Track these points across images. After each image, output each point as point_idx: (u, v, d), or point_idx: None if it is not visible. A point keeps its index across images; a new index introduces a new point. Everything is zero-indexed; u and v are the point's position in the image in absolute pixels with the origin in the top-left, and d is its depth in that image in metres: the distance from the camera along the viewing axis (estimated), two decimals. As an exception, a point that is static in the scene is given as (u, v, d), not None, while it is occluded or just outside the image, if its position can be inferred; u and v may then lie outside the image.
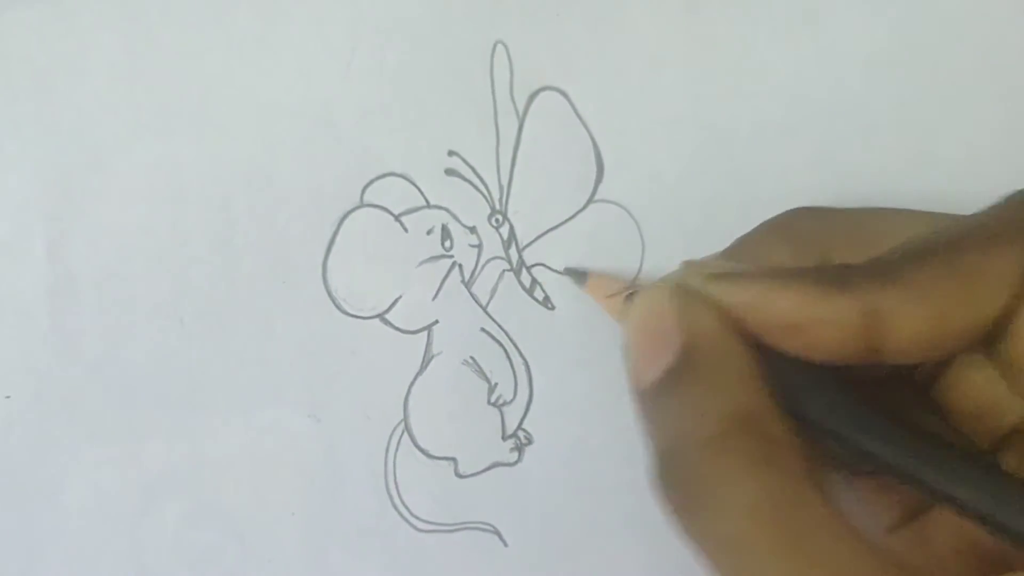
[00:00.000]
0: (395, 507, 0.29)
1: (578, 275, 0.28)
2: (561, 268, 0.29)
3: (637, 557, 0.29)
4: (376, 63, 0.29)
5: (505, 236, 0.29)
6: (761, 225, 0.25)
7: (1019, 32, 0.28)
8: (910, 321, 0.20)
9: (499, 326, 0.29)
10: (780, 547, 0.19)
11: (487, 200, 0.29)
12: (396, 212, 0.29)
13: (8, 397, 0.29)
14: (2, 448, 0.28)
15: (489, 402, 0.29)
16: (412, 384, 0.29)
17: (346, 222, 0.29)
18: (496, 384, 0.29)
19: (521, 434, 0.29)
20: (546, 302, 0.29)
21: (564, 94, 0.29)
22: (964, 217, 0.22)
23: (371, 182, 0.29)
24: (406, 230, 0.29)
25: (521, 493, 0.29)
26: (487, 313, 0.29)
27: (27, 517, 0.28)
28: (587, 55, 0.29)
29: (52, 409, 0.29)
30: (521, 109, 0.29)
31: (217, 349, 0.29)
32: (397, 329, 0.29)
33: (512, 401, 0.29)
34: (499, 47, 0.29)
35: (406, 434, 0.29)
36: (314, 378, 0.29)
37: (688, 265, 0.23)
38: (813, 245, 0.23)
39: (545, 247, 0.29)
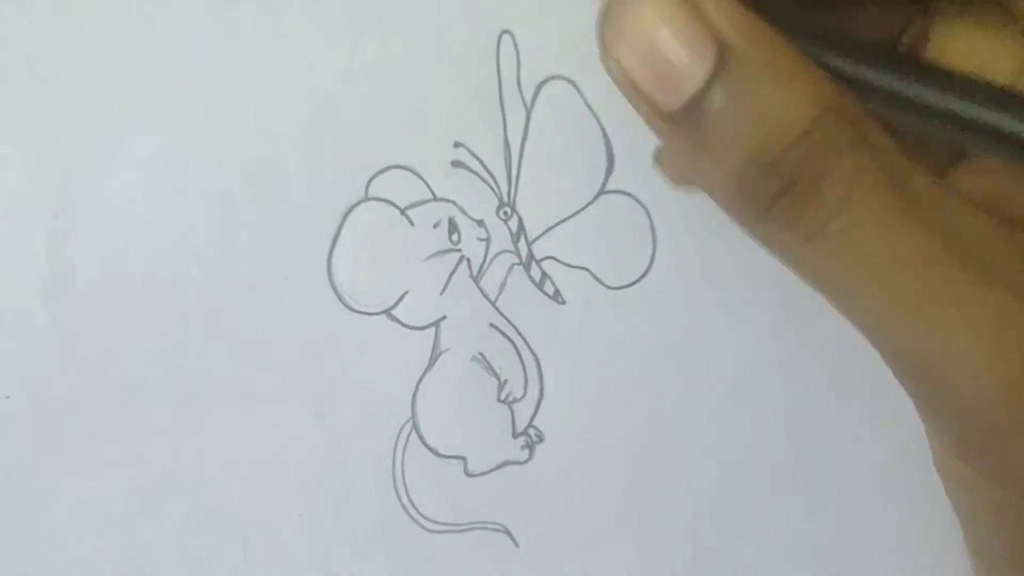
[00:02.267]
0: (403, 507, 0.29)
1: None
2: (571, 261, 0.29)
3: (649, 557, 0.29)
4: (380, 53, 0.29)
5: (514, 229, 0.29)
6: None
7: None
8: None
9: (508, 321, 0.29)
10: (901, 223, 0.18)
11: (495, 192, 0.29)
12: (402, 205, 0.29)
13: (7, 397, 0.28)
14: (1, 449, 0.28)
15: (499, 399, 0.29)
16: (420, 381, 0.29)
17: (351, 216, 0.29)
18: (506, 381, 0.29)
19: (532, 432, 0.29)
20: (556, 296, 0.29)
21: (573, 83, 0.29)
22: None
23: (376, 175, 0.29)
24: (412, 224, 0.29)
25: (532, 492, 0.29)
26: (496, 308, 0.29)
27: (26, 518, 0.28)
28: (596, 43, 0.29)
29: (51, 409, 0.28)
30: (529, 99, 0.29)
31: (219, 346, 0.29)
32: (404, 325, 0.29)
33: (522, 398, 0.29)
34: (505, 36, 0.29)
35: (414, 432, 0.29)
36: (319, 376, 0.29)
37: None
38: None
39: (555, 240, 0.29)
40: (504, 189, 0.29)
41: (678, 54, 0.19)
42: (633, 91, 0.20)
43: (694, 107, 0.19)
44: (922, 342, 0.18)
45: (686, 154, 0.20)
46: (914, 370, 0.19)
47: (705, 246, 0.29)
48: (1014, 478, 0.19)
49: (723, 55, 0.19)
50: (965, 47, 0.22)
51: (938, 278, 0.18)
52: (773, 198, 0.19)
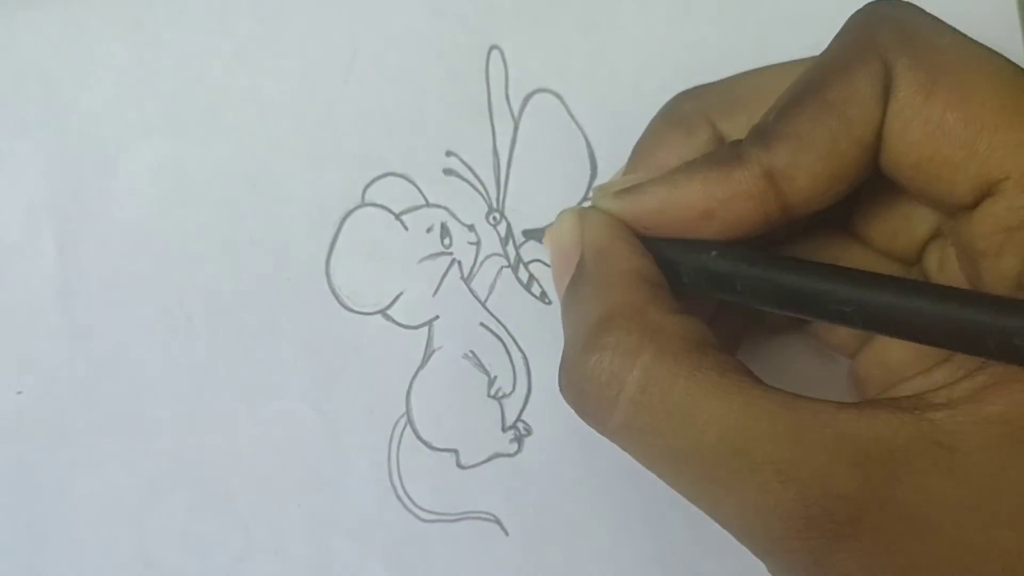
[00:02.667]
0: (398, 498, 0.29)
1: (535, 233, 0.29)
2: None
3: (635, 545, 0.29)
4: (376, 67, 0.29)
5: (502, 233, 0.29)
6: (650, 123, 0.26)
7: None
8: (805, 169, 0.21)
9: (498, 321, 0.29)
10: (670, 421, 0.20)
11: (484, 199, 0.29)
12: (396, 211, 0.29)
13: (20, 393, 0.29)
14: (14, 442, 0.29)
15: (489, 395, 0.29)
16: (414, 378, 0.29)
17: (348, 221, 0.29)
18: (495, 377, 0.29)
19: (520, 425, 0.29)
20: (543, 297, 0.29)
21: (558, 96, 0.30)
22: (817, 57, 0.22)
23: (372, 182, 0.29)
24: (406, 228, 0.29)
25: (521, 483, 0.29)
26: (486, 308, 0.29)
27: (38, 509, 0.29)
28: (580, 58, 0.29)
29: (62, 404, 0.29)
30: (516, 111, 0.29)
31: (223, 345, 0.29)
32: (399, 324, 0.29)
33: (511, 393, 0.29)
34: (494, 51, 0.29)
35: (408, 426, 0.29)
36: (318, 373, 0.29)
37: (596, 189, 0.24)
38: (700, 121, 0.24)
39: (541, 244, 0.29)
40: (493, 195, 0.29)
41: (557, 262, 0.24)
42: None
43: (561, 306, 0.23)
44: (711, 515, 0.21)
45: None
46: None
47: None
48: None
49: (578, 266, 0.23)
50: (886, 217, 0.25)
51: (709, 470, 0.20)
52: (566, 392, 0.22)
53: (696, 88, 0.25)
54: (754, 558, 0.29)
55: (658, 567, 0.29)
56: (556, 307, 0.29)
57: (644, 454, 0.21)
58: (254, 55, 0.29)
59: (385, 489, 0.29)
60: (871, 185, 0.23)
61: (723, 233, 0.22)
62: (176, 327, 0.29)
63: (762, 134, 0.21)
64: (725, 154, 0.22)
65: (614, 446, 0.28)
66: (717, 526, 0.29)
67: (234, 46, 0.29)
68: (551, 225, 0.25)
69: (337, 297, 0.29)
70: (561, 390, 0.22)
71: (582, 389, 0.21)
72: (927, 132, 0.20)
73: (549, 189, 0.29)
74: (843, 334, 0.26)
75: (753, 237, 0.22)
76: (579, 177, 0.29)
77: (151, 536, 0.29)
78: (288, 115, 0.29)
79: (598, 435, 0.28)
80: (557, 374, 0.22)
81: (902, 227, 0.24)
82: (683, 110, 0.25)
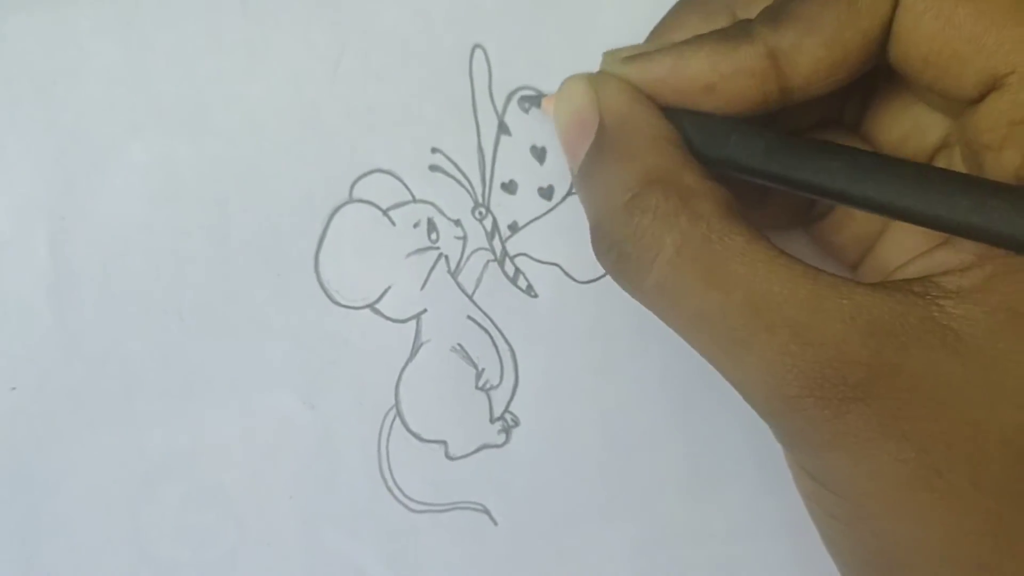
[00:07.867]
0: (388, 489, 0.29)
1: (533, 99, 0.29)
2: (543, 257, 0.30)
3: (620, 534, 0.30)
4: (362, 66, 0.30)
5: (488, 228, 0.30)
6: (671, 7, 0.26)
7: None
8: (808, 52, 0.22)
9: (485, 314, 0.30)
10: (700, 282, 0.21)
11: (470, 194, 0.30)
12: (384, 207, 0.30)
13: (13, 389, 0.29)
14: (8, 438, 0.29)
15: (477, 387, 0.30)
16: (403, 371, 0.29)
17: (336, 217, 0.29)
18: (483, 369, 0.30)
19: (508, 417, 0.30)
20: (529, 290, 0.30)
21: (540, 93, 0.30)
22: None
23: (359, 178, 0.30)
24: (394, 224, 0.30)
25: (509, 474, 0.29)
26: (473, 302, 0.30)
27: (33, 503, 0.29)
28: (561, 56, 0.30)
29: (56, 400, 0.29)
30: (500, 108, 0.30)
31: (214, 340, 0.29)
32: (387, 318, 0.30)
33: (499, 385, 0.30)
34: (478, 50, 0.30)
35: (398, 419, 0.29)
36: (308, 367, 0.29)
37: (606, 54, 0.24)
38: (720, 7, 0.24)
39: (527, 238, 0.30)
40: (479, 191, 0.30)
41: (572, 129, 0.24)
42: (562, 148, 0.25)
43: (581, 172, 0.23)
44: (730, 376, 0.21)
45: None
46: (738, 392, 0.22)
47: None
48: (839, 483, 0.21)
49: (599, 132, 0.23)
50: (897, 120, 0.25)
51: (732, 331, 0.21)
52: (605, 254, 0.22)
53: None
54: (737, 548, 0.30)
55: (643, 556, 0.30)
56: (541, 300, 0.30)
57: (672, 314, 0.22)
58: (242, 55, 0.29)
59: (375, 481, 0.29)
60: (883, 90, 0.23)
61: (722, 108, 0.22)
62: (167, 323, 0.29)
63: (772, 14, 0.22)
64: (734, 31, 0.22)
65: (599, 436, 0.29)
66: (701, 517, 0.30)
67: (223, 46, 0.29)
68: (553, 94, 0.25)
69: (326, 292, 0.29)
70: (598, 254, 0.23)
71: (623, 250, 0.22)
72: (937, 26, 0.21)
73: (533, 184, 0.30)
74: (845, 235, 0.27)
75: (751, 116, 0.23)
76: (562, 171, 0.30)
77: (145, 529, 0.29)
78: (276, 113, 0.29)
79: (584, 425, 0.30)
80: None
81: (913, 133, 0.25)
82: None
